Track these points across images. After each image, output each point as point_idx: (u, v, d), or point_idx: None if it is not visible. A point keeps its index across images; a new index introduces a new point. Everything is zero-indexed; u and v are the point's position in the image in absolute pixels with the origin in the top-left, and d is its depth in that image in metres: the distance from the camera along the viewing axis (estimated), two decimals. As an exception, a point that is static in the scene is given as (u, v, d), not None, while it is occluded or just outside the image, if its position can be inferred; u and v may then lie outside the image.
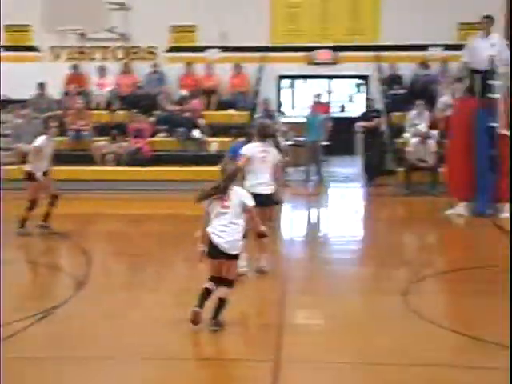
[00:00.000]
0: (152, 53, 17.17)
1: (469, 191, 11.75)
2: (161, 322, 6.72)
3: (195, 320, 6.34)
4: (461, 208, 11.87)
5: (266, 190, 8.04)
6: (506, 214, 11.62)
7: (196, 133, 15.27)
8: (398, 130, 15.49)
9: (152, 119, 15.87)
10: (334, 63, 17.01)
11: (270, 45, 16.88)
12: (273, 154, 8.15)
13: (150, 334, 6.41)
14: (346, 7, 16.87)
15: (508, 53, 11.77)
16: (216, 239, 6.36)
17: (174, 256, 9.71)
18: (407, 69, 16.53)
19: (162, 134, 15.74)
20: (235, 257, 6.47)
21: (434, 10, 16.04)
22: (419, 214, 12.56)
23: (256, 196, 7.14)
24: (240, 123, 14.83)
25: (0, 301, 7.18)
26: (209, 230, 6.43)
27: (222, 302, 6.40)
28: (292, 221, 12.43)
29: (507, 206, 11.69)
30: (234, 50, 16.73)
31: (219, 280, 6.43)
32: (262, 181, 8.05)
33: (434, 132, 14.68)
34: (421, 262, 9.67)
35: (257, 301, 7.38)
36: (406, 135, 15.07)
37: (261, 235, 7.24)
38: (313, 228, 12.18)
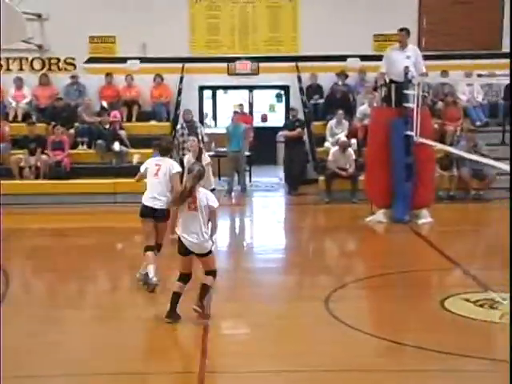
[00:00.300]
0: (71, 64, 16.90)
1: (387, 198, 12.03)
2: (82, 337, 6.63)
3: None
4: (380, 215, 12.15)
5: (155, 204, 8.12)
6: (424, 220, 11.97)
7: (116, 145, 15.11)
8: (318, 139, 15.72)
9: (72, 131, 15.61)
10: (255, 74, 17.15)
11: (190, 55, 16.89)
12: (166, 168, 8.16)
13: (71, 351, 6.31)
14: (265, 18, 17.04)
15: (422, 63, 12.16)
16: (186, 241, 6.80)
17: (97, 270, 9.58)
18: (327, 79, 16.81)
19: (82, 147, 15.52)
20: (207, 254, 6.94)
21: (351, 22, 16.36)
22: (340, 222, 12.77)
23: (145, 208, 8.02)
24: (161, 134, 14.74)
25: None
26: (179, 232, 6.83)
27: (205, 287, 6.96)
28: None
29: (424, 212, 12.04)
30: (154, 60, 16.65)
31: (187, 278, 6.94)
32: (151, 194, 8.16)
33: (354, 141, 14.98)
34: (342, 268, 9.87)
35: (180, 311, 7.35)
36: (327, 144, 15.31)
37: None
38: (236, 238, 12.23)
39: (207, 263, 7.03)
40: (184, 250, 6.87)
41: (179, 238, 6.86)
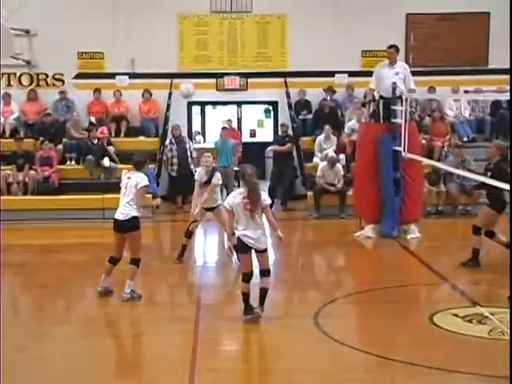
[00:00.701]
0: (59, 79, 16.89)
1: (375, 213, 12.06)
2: (69, 353, 6.58)
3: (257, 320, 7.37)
4: (368, 230, 12.16)
5: (120, 215, 8.28)
6: (412, 235, 12.00)
7: (106, 160, 15.10)
8: (306, 155, 15.76)
9: (60, 147, 15.59)
10: (244, 89, 17.21)
11: (178, 71, 16.92)
12: (135, 181, 8.28)
13: (58, 367, 6.27)
14: (254, 34, 17.12)
15: (412, 79, 12.24)
16: (247, 240, 7.24)
17: (85, 286, 9.52)
18: (315, 94, 16.88)
19: (70, 162, 15.50)
20: (265, 249, 7.44)
21: (339, 38, 16.49)
22: (329, 237, 12.78)
23: (115, 221, 8.24)
24: (150, 150, 14.76)
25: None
26: (238, 233, 7.25)
27: (264, 291, 7.43)
28: (204, 246, 12.44)
29: (412, 227, 12.07)
30: (142, 76, 16.68)
31: (250, 276, 7.40)
32: (119, 207, 8.35)
33: (342, 156, 15.03)
34: (332, 284, 9.86)
35: (171, 330, 7.32)
36: (316, 159, 15.35)
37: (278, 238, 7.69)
38: (225, 253, 12.16)
39: (264, 260, 7.47)
40: (245, 248, 7.29)
41: (239, 237, 7.26)
